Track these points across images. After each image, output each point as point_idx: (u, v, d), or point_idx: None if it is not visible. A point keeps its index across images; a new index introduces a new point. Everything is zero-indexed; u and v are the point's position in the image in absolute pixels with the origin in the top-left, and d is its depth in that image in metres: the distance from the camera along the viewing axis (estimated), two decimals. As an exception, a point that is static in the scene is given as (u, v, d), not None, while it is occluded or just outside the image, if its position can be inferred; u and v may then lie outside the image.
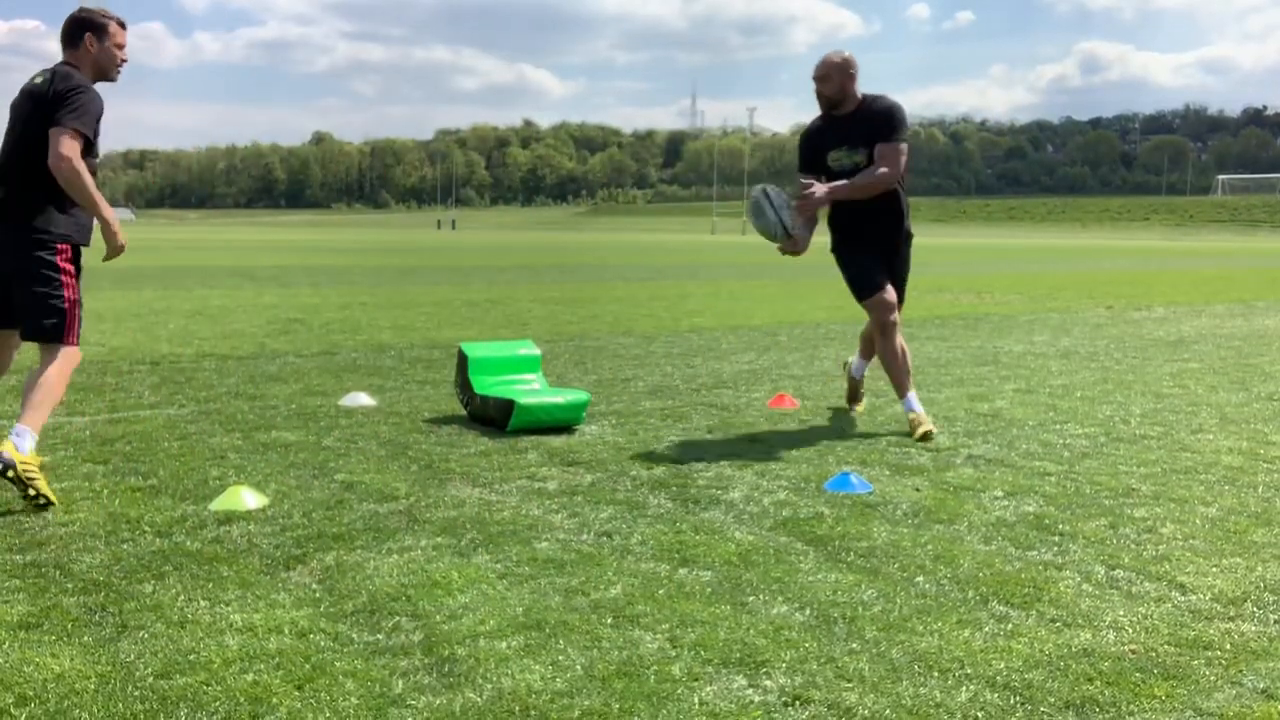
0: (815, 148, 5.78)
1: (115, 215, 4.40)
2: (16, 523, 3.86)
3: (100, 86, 4.38)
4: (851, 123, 5.65)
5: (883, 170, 5.52)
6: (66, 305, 4.27)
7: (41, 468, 4.19)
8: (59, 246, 4.27)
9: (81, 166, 4.13)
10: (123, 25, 4.55)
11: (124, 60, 4.55)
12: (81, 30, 4.33)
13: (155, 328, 10.54)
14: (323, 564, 3.47)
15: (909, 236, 5.95)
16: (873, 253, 5.81)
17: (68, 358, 4.29)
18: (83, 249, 4.43)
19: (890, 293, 5.73)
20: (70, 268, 4.34)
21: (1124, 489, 4.62)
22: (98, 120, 4.29)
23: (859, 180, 5.54)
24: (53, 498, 4.02)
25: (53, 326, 4.24)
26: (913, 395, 5.76)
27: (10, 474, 3.88)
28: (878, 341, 5.79)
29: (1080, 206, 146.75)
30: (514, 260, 29.23)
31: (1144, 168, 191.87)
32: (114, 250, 4.40)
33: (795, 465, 4.99)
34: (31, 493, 3.94)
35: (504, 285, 18.20)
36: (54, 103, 4.12)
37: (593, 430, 5.74)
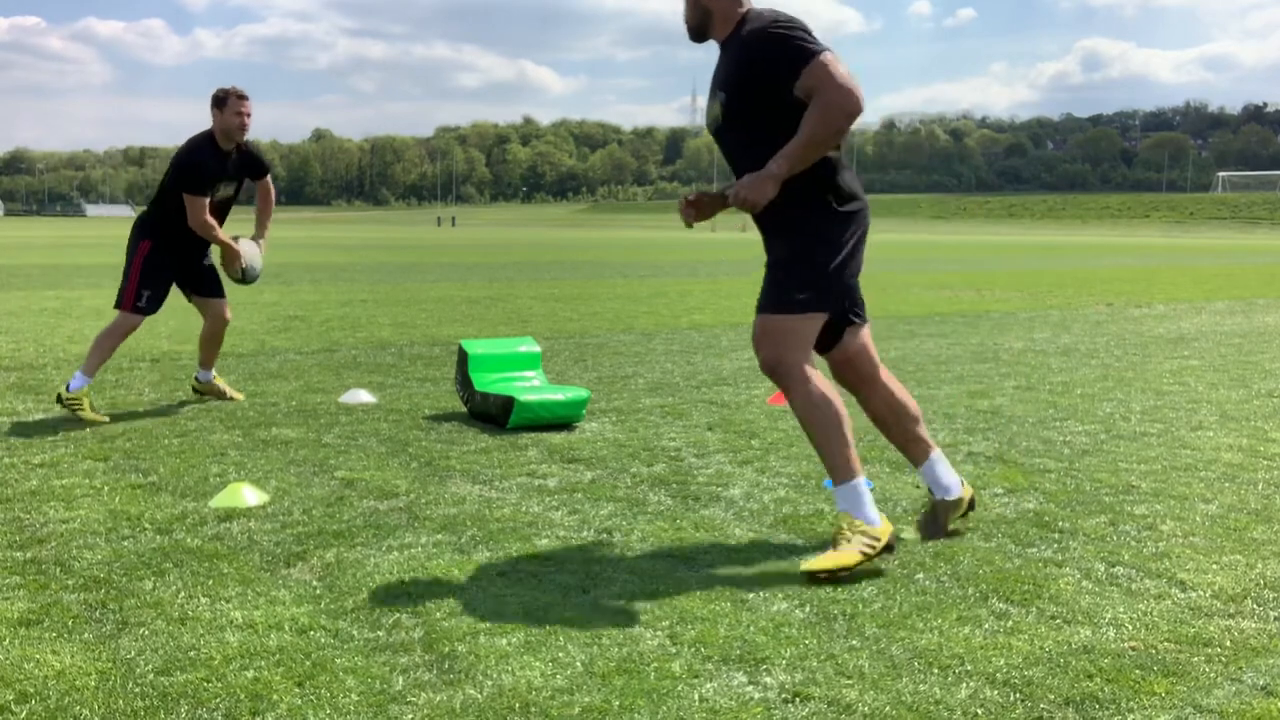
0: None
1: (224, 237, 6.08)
2: (17, 520, 3.86)
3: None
4: (721, 57, 3.68)
5: (816, 109, 3.33)
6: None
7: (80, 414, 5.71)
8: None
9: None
10: (241, 97, 5.95)
11: (242, 124, 5.97)
12: (212, 103, 5.91)
13: (155, 325, 10.53)
14: (323, 561, 3.47)
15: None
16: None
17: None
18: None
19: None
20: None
21: (1124, 486, 4.62)
22: (191, 177, 5.89)
23: (800, 138, 3.36)
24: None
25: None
26: None
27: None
28: None
29: (1080, 203, 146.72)
30: (514, 257, 29.22)
31: (1144, 165, 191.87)
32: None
33: (795, 462, 4.99)
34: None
35: (504, 282, 18.19)
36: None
37: (593, 427, 5.74)
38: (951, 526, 3.82)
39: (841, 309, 3.66)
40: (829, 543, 3.56)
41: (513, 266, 23.91)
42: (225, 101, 5.88)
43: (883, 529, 3.44)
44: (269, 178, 6.34)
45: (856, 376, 3.78)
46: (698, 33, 3.65)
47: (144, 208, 6.24)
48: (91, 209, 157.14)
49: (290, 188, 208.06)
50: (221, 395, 6.43)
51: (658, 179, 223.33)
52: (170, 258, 6.02)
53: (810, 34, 3.39)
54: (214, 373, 6.47)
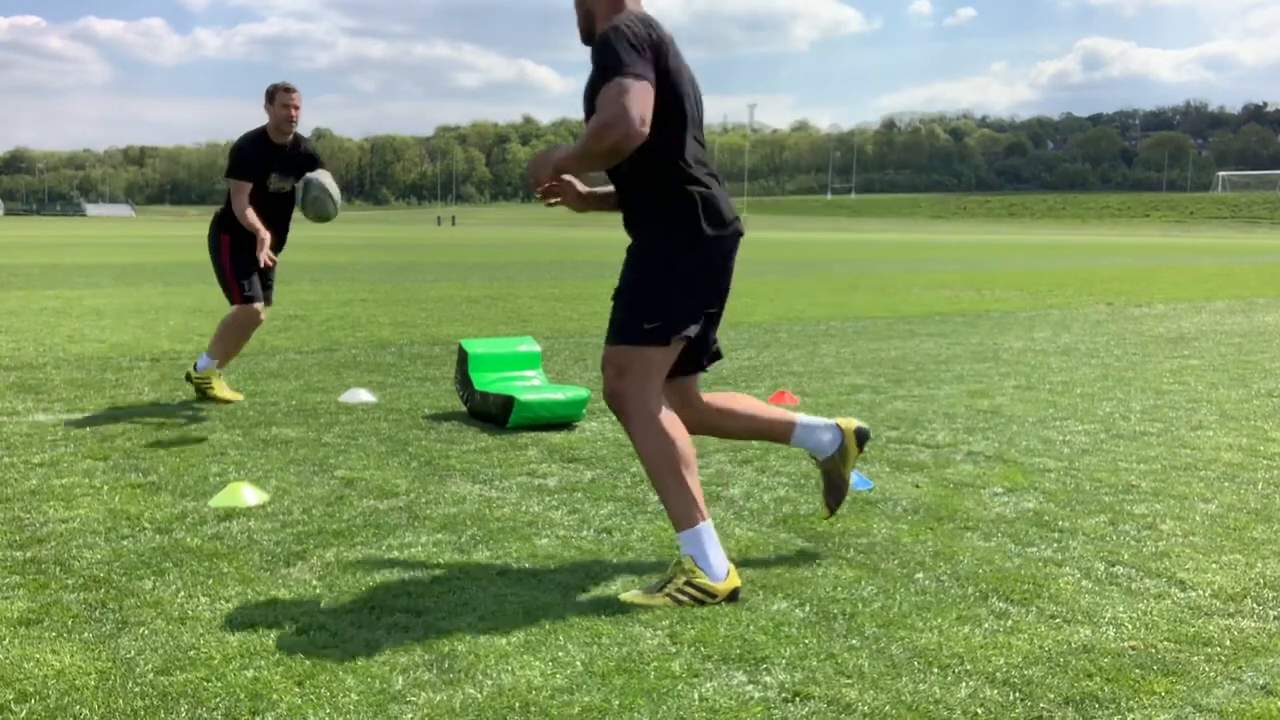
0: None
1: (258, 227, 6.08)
2: (17, 519, 3.86)
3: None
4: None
5: (591, 122, 3.18)
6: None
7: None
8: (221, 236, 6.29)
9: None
10: (289, 90, 6.18)
11: (290, 116, 6.17)
12: (265, 99, 6.10)
13: (155, 324, 10.54)
14: (323, 560, 3.47)
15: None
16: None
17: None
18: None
19: None
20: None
21: (1124, 485, 4.62)
22: (234, 161, 6.19)
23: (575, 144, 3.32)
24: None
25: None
26: None
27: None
28: None
29: (1080, 203, 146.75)
30: (514, 257, 29.21)
31: (1144, 164, 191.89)
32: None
33: (795, 462, 4.99)
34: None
35: (504, 282, 18.19)
36: None
37: (593, 427, 5.74)
38: (851, 471, 3.75)
39: (696, 343, 3.36)
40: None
41: (513, 266, 23.91)
42: (274, 96, 6.10)
43: (724, 585, 3.15)
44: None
45: (680, 400, 3.48)
46: (586, 35, 3.44)
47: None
48: (91, 208, 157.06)
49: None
50: (208, 390, 6.30)
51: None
52: (250, 251, 6.14)
53: (642, 48, 3.10)
54: (215, 364, 6.37)
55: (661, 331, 3.23)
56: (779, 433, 3.64)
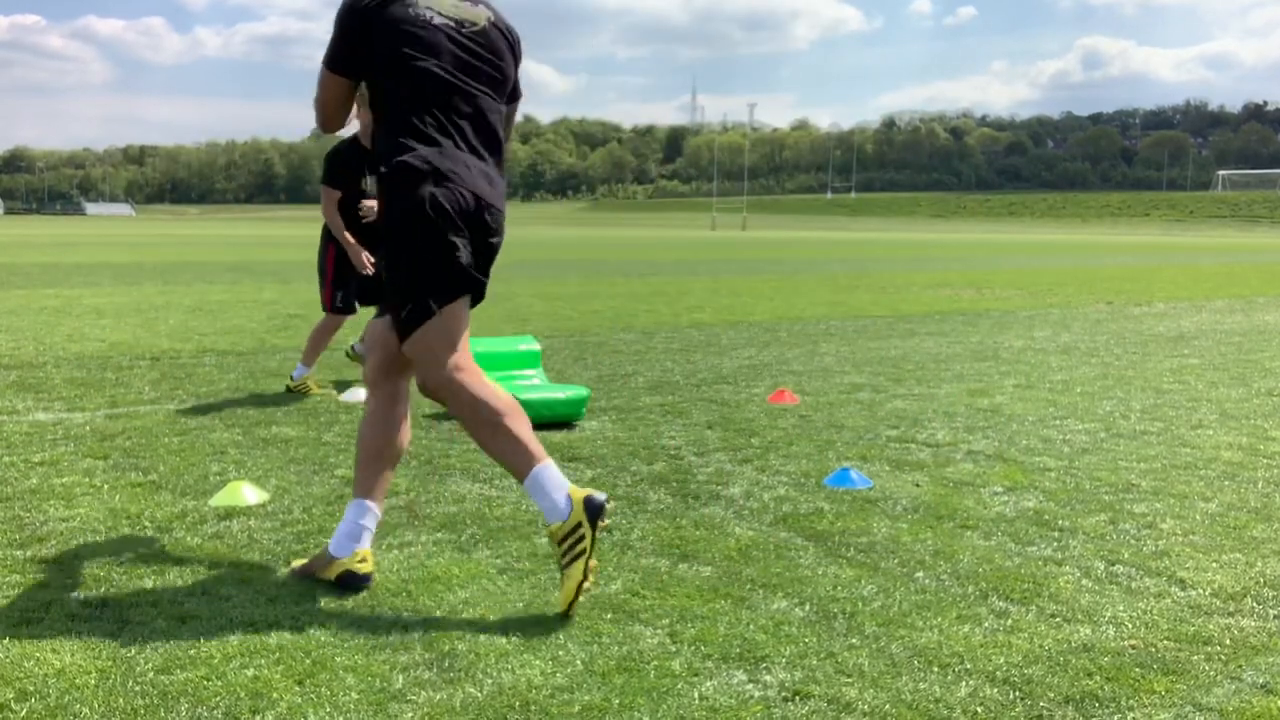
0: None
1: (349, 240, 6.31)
2: (17, 518, 3.86)
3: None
4: None
5: None
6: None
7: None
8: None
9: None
10: None
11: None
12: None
13: (155, 323, 10.54)
14: (323, 559, 3.47)
15: None
16: None
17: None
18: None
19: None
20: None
21: (1124, 484, 4.62)
22: (326, 168, 6.37)
23: None
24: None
25: None
26: None
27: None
28: None
29: (1080, 202, 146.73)
30: (514, 256, 29.20)
31: (1144, 163, 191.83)
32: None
33: (795, 461, 4.99)
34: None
35: (504, 281, 18.19)
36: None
37: (593, 426, 5.74)
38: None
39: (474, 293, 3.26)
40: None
41: (513, 265, 23.90)
42: (361, 102, 6.08)
43: (570, 518, 3.02)
44: None
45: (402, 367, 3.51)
46: None
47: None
48: (92, 207, 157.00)
49: (290, 186, 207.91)
50: (308, 392, 6.68)
51: (658, 177, 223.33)
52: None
53: (344, 37, 3.15)
54: (311, 369, 6.80)
55: (423, 312, 3.20)
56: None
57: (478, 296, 3.30)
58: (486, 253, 3.24)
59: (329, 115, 3.29)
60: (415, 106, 3.13)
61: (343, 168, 6.32)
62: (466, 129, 3.18)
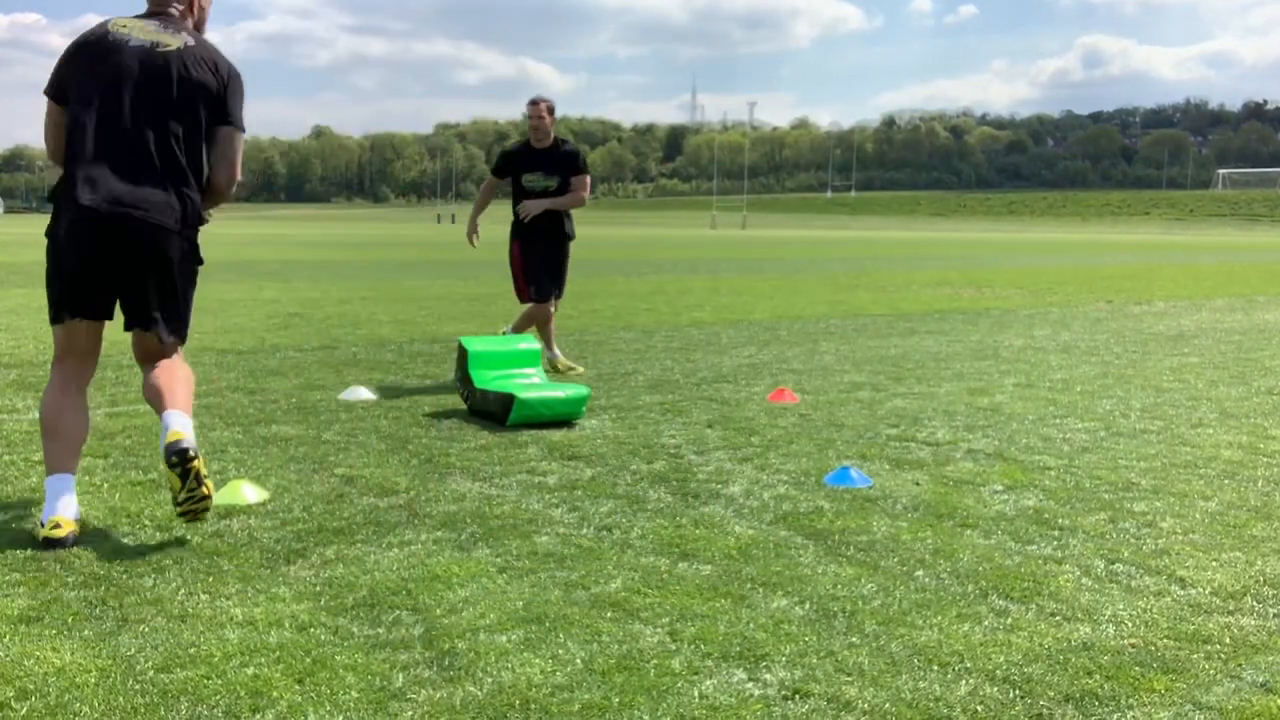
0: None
1: None
2: (17, 517, 3.86)
3: None
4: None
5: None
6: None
7: None
8: None
9: None
10: (533, 102, 7.16)
11: (533, 125, 7.26)
12: None
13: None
14: (323, 558, 3.48)
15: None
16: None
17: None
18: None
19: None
20: None
21: (1124, 483, 4.62)
22: (495, 160, 7.68)
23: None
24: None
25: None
26: None
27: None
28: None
29: (1080, 201, 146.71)
30: (514, 254, 29.18)
31: (1144, 162, 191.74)
32: None
33: (795, 459, 4.99)
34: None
35: (504, 279, 18.18)
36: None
37: (593, 424, 5.74)
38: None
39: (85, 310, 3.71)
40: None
41: (513, 264, 23.89)
42: (527, 108, 7.19)
43: (43, 532, 3.52)
44: (582, 177, 7.37)
45: (141, 355, 3.89)
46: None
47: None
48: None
49: (290, 185, 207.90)
50: (570, 368, 7.47)
51: (658, 176, 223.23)
52: (537, 255, 7.25)
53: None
54: (556, 351, 7.60)
55: (52, 313, 3.75)
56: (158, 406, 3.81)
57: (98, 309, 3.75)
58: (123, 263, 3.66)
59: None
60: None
61: (504, 161, 7.28)
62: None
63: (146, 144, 3.62)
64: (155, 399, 3.75)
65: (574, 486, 4.45)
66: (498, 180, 7.46)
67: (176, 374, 3.79)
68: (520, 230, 7.30)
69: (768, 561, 3.51)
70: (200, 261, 3.87)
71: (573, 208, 7.46)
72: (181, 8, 3.82)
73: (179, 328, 3.85)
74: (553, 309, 7.46)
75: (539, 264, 7.26)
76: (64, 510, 3.58)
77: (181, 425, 3.60)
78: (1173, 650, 2.83)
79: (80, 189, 3.55)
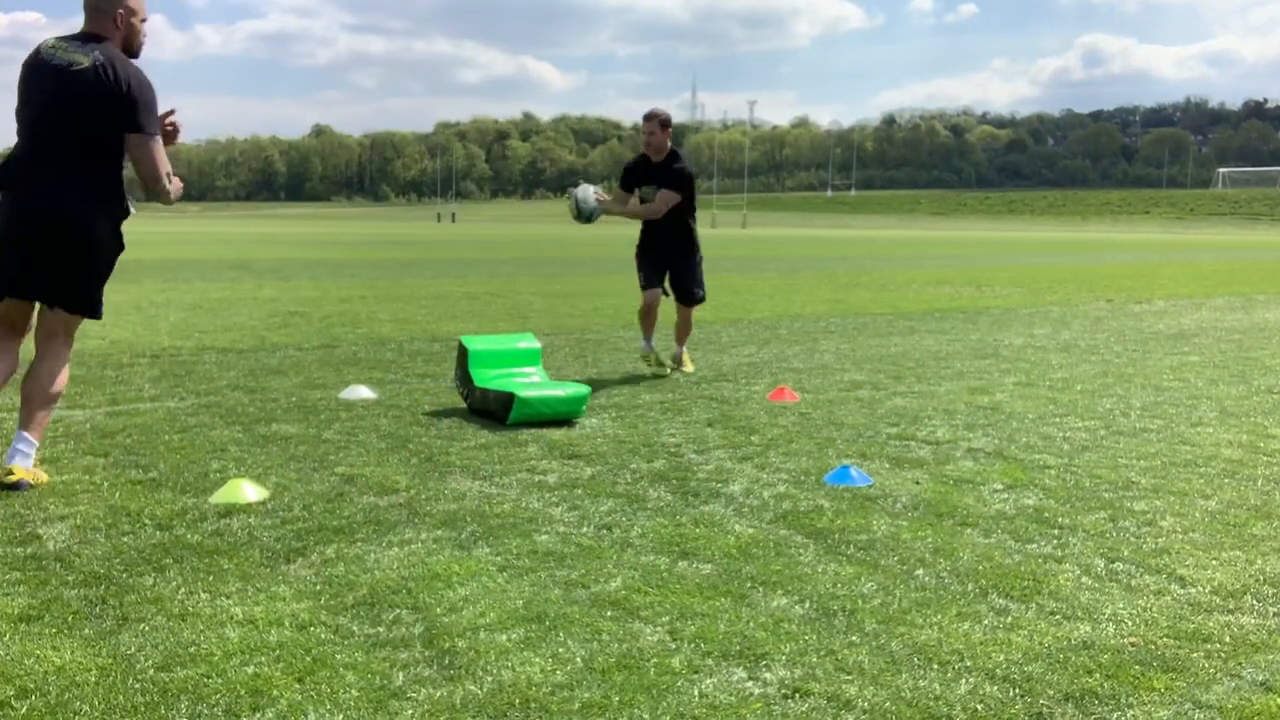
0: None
1: None
2: (18, 516, 3.86)
3: None
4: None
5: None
6: None
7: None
8: None
9: None
10: (647, 118, 7.28)
11: (647, 141, 7.39)
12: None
13: (155, 321, 10.54)
14: (323, 557, 3.48)
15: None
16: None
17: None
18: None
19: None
20: None
21: (1124, 482, 4.62)
22: (624, 173, 7.72)
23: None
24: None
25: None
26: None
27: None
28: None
29: (1080, 199, 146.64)
30: (514, 253, 29.21)
31: (1145, 161, 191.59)
32: None
33: (795, 458, 4.99)
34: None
35: (504, 278, 18.19)
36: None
37: (593, 423, 5.74)
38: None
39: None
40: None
41: (513, 262, 23.91)
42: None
43: None
44: (664, 191, 7.35)
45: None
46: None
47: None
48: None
49: (290, 184, 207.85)
50: (679, 365, 7.73)
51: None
52: (651, 254, 7.53)
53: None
54: (683, 349, 7.82)
55: None
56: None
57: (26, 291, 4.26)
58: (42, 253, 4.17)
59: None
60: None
61: (626, 174, 7.56)
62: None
63: (64, 150, 4.15)
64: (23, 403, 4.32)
65: (574, 485, 4.45)
66: (627, 195, 7.57)
67: (43, 383, 4.29)
68: (642, 232, 7.60)
69: (768, 560, 3.51)
70: (120, 249, 4.38)
71: (639, 217, 7.51)
72: (110, 27, 4.25)
73: (75, 300, 4.30)
74: (683, 308, 7.69)
75: (649, 261, 7.54)
76: None
77: (21, 461, 4.24)
78: (1173, 649, 2.83)
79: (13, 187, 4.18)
